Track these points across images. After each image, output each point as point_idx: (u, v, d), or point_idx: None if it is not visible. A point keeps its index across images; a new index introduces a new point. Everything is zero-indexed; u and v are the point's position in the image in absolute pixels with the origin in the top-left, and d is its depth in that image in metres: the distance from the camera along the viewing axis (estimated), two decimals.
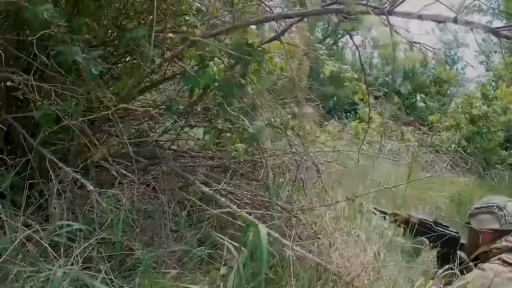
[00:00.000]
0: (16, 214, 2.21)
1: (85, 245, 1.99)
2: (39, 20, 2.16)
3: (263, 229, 1.90)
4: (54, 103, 2.26)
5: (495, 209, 2.50)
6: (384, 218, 2.64)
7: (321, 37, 22.42)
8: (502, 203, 2.52)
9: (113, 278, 1.93)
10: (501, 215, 2.47)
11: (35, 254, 2.04)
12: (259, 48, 2.55)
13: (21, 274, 1.87)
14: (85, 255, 1.99)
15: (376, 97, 3.18)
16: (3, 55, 2.23)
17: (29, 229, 2.04)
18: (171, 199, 2.52)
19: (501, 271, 2.22)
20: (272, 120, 2.95)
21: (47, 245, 2.00)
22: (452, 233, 2.70)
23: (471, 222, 2.59)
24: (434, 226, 2.70)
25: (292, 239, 2.24)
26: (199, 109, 2.90)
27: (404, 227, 2.64)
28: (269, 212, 2.48)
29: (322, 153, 3.22)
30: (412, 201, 2.97)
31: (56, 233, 2.10)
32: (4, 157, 2.43)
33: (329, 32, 23.24)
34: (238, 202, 2.70)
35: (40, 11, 2.16)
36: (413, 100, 21.04)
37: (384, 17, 2.10)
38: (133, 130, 2.91)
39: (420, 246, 2.55)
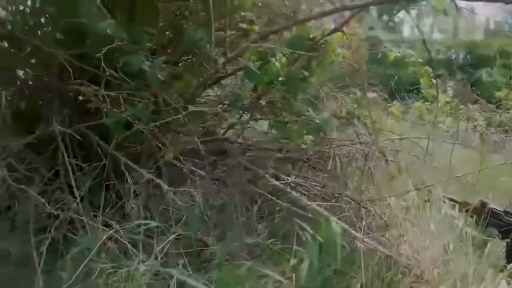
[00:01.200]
0: (95, 215, 2.33)
1: (165, 242, 2.07)
2: (101, 35, 2.28)
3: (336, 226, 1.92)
4: (123, 110, 2.36)
5: None
6: (454, 207, 2.57)
7: (376, 15, 21.89)
8: None
9: (190, 272, 2.01)
10: None
11: (116, 251, 2.14)
12: (321, 41, 2.54)
13: (103, 271, 1.97)
14: (164, 251, 2.08)
15: (438, 75, 3.09)
16: (71, 71, 2.36)
17: (109, 229, 2.16)
18: (241, 192, 2.58)
19: None
20: (338, 110, 2.93)
21: (126, 243, 2.11)
22: None
23: None
24: (504, 216, 2.59)
25: (362, 230, 2.24)
26: (263, 103, 2.93)
27: (476, 217, 2.55)
28: (338, 204, 2.48)
29: (389, 142, 3.14)
30: (482, 189, 2.86)
31: (134, 231, 2.20)
32: (79, 163, 2.55)
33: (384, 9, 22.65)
34: (307, 194, 2.72)
35: (102, 27, 2.27)
36: (478, 75, 20.07)
37: None
38: (200, 128, 2.98)
39: (489, 238, 2.45)
